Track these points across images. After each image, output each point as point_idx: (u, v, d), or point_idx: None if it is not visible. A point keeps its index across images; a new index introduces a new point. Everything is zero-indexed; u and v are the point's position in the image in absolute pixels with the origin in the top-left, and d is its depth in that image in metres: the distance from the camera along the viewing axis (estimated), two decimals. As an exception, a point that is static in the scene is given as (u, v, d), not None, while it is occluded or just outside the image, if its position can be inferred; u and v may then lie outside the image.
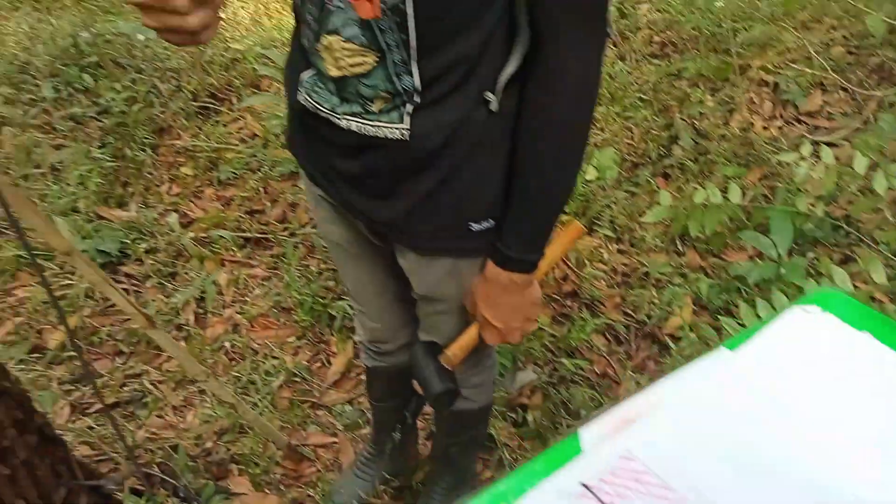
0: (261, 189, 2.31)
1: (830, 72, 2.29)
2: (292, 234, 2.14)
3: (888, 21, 2.09)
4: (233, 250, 2.10)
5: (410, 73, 0.72)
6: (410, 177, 0.82)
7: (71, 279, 1.96)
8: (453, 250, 0.89)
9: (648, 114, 2.38)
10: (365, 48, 0.72)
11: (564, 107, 0.74)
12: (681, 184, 2.14)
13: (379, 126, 0.77)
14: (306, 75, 0.81)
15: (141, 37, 2.57)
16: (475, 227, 0.85)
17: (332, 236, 1.05)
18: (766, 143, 2.18)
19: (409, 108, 0.75)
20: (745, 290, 1.75)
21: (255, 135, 2.50)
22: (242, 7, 3.16)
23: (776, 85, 2.41)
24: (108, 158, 2.32)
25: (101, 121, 2.44)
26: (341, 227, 1.02)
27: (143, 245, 2.08)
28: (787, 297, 1.65)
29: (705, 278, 1.84)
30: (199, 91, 2.60)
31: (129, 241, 2.08)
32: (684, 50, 2.65)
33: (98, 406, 1.68)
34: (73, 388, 1.74)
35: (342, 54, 0.74)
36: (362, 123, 0.78)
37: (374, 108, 0.76)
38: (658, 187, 2.15)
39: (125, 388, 1.74)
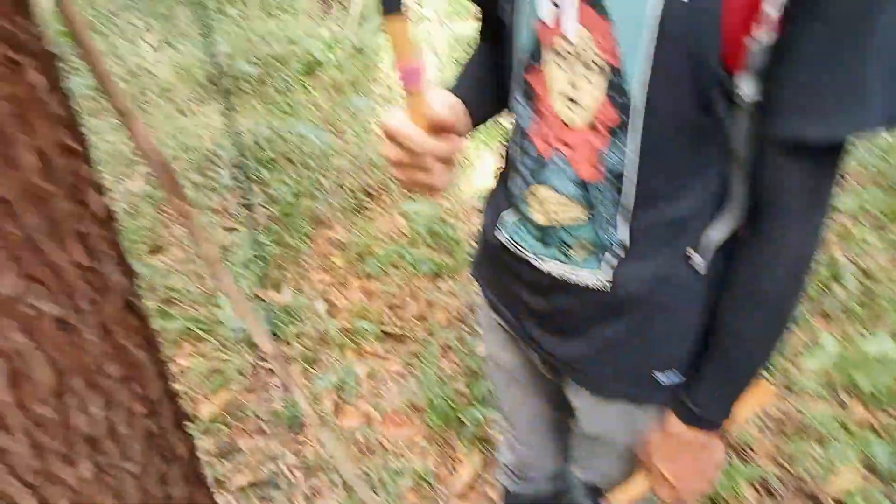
0: (403, 285, 2.41)
1: None
2: (430, 333, 2.20)
3: None
4: (373, 342, 2.19)
5: (618, 229, 0.74)
6: (601, 321, 0.82)
7: (228, 353, 2.11)
8: (633, 396, 0.88)
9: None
10: (577, 203, 0.75)
11: (778, 280, 0.71)
12: (844, 327, 1.99)
13: (579, 273, 0.79)
14: (509, 217, 0.85)
15: (313, 137, 2.85)
16: (661, 378, 0.83)
17: (501, 362, 1.07)
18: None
19: (613, 259, 0.76)
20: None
21: (403, 233, 2.65)
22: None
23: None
24: (270, 244, 2.54)
25: (269, 209, 2.70)
26: (513, 354, 1.03)
27: (293, 328, 2.22)
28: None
29: (876, 438, 1.66)
30: (356, 189, 2.82)
31: (281, 324, 2.23)
32: (844, 184, 2.54)
33: (238, 483, 1.75)
34: (217, 460, 1.83)
35: (552, 206, 0.77)
36: (562, 268, 0.80)
37: (577, 256, 0.78)
38: (818, 327, 2.01)
39: (263, 468, 1.81)
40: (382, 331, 2.23)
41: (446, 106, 0.69)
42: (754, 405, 0.90)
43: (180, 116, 3.40)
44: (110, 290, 0.60)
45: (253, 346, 2.15)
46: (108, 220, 0.59)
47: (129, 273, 0.63)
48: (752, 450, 1.72)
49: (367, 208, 2.77)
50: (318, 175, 2.85)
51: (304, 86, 3.61)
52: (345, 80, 3.64)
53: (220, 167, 2.95)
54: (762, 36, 0.59)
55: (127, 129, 0.63)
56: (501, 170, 0.91)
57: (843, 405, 1.80)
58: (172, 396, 0.74)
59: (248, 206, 2.68)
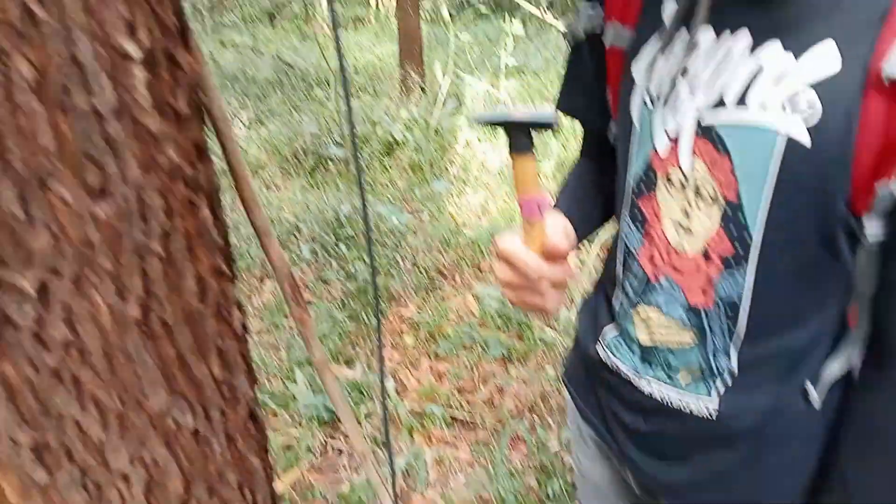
0: (473, 368, 2.40)
1: None
2: (500, 421, 2.16)
3: None
4: (442, 427, 2.16)
5: (728, 357, 0.73)
6: (706, 449, 0.79)
7: (299, 429, 2.13)
8: None
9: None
10: (685, 327, 0.74)
11: None
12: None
13: (684, 398, 0.77)
14: (609, 332, 0.85)
15: (392, 217, 2.95)
16: None
17: (590, 475, 1.04)
18: None
19: (721, 387, 0.74)
20: None
21: (474, 314, 2.66)
22: (474, 193, 3.52)
23: None
24: (345, 320, 2.59)
25: (346, 285, 2.77)
26: (604, 469, 1.00)
27: (363, 408, 2.23)
28: None
29: None
30: (429, 267, 2.87)
31: (352, 402, 2.24)
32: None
33: (302, 567, 1.73)
34: (283, 541, 1.82)
35: (658, 327, 0.76)
36: (666, 391, 0.79)
37: (681, 380, 0.77)
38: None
39: (328, 554, 1.79)
40: (451, 416, 2.21)
41: (563, 234, 0.71)
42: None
43: (266, 191, 3.59)
44: (238, 401, 0.62)
45: (324, 424, 2.16)
46: (243, 335, 0.62)
47: (254, 382, 0.66)
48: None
49: (439, 287, 2.81)
50: (393, 253, 2.92)
51: (383, 165, 3.77)
52: (422, 160, 3.78)
53: (300, 241, 3.07)
54: (893, 185, 0.58)
55: (262, 246, 0.68)
56: (600, 280, 0.91)
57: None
58: (276, 500, 0.76)
59: (326, 281, 2.77)
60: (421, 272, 2.84)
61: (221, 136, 0.58)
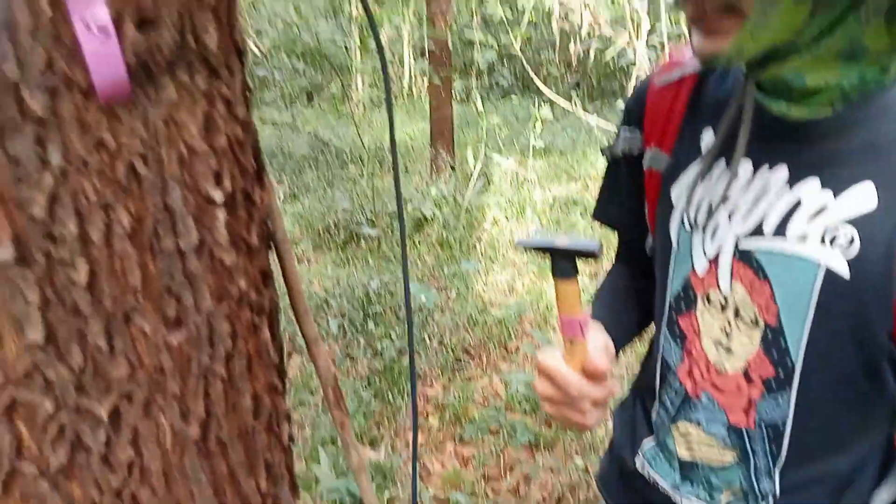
0: (499, 454, 2.35)
1: None
2: (525, 514, 2.09)
3: None
4: (466, 518, 2.10)
5: (772, 479, 0.72)
6: None
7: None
8: None
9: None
10: (726, 446, 0.73)
11: None
12: None
13: None
14: (648, 445, 0.84)
15: (420, 295, 2.97)
16: None
17: None
18: None
19: None
20: None
21: (500, 396, 2.62)
22: (501, 271, 3.55)
23: None
24: (371, 399, 2.58)
25: (373, 363, 2.77)
26: None
27: (386, 492, 2.18)
28: None
29: None
30: (456, 346, 2.86)
31: (375, 486, 2.20)
32: None
33: None
34: None
35: (699, 444, 0.76)
36: None
37: (722, 499, 0.76)
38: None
39: None
40: (477, 505, 2.15)
41: (604, 352, 0.72)
42: None
43: (298, 264, 3.66)
44: (282, 513, 0.63)
45: (345, 507, 2.12)
46: (289, 446, 0.64)
47: (296, 492, 0.67)
48: None
49: (465, 368, 2.79)
50: (421, 332, 2.93)
51: (413, 242, 3.84)
52: (451, 237, 3.84)
53: (329, 315, 3.10)
54: None
55: (311, 355, 0.70)
56: (636, 386, 0.91)
57: None
58: None
59: (353, 357, 2.77)
60: (447, 351, 2.84)
61: (282, 258, 0.62)
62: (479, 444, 2.41)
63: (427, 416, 2.56)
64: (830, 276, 0.62)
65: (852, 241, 0.60)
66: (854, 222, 0.61)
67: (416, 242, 3.83)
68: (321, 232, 3.93)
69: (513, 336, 2.96)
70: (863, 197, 0.60)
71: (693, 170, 0.73)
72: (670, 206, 0.76)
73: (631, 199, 0.86)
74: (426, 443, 2.45)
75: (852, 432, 0.69)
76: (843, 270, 0.61)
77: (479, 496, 2.18)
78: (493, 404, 2.59)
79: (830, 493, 0.71)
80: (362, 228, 3.78)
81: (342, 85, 6.27)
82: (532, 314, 3.12)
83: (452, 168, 4.68)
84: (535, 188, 4.47)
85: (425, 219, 4.00)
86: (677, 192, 0.75)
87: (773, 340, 0.67)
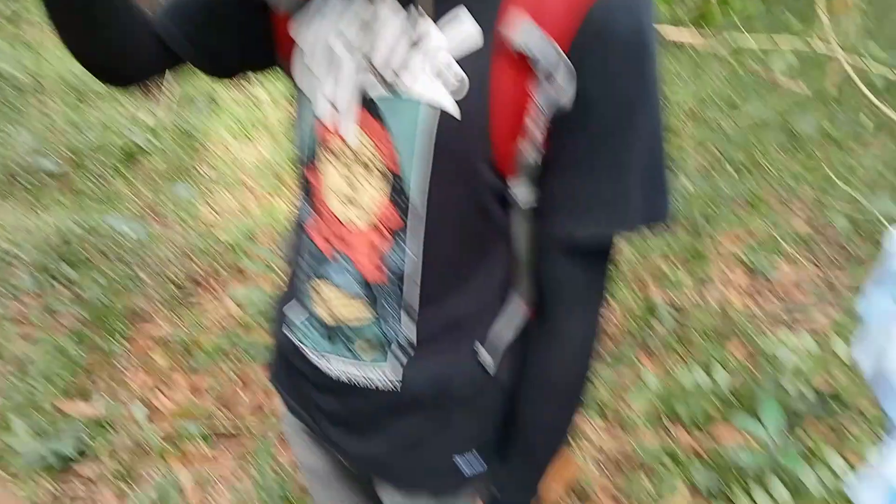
0: (237, 377, 2.24)
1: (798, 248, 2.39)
2: (266, 426, 2.04)
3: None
4: (201, 445, 1.98)
5: (406, 329, 0.72)
6: (396, 419, 0.79)
7: (21, 485, 1.81)
8: (437, 489, 0.83)
9: (626, 290, 2.42)
10: (362, 303, 0.72)
11: (566, 370, 0.72)
12: (664, 360, 2.11)
13: (367, 372, 0.75)
14: (296, 316, 0.80)
15: (127, 229, 2.65)
16: (465, 469, 0.81)
17: (310, 465, 0.99)
18: (746, 320, 2.19)
19: (403, 358, 0.74)
20: (740, 475, 1.65)
21: (236, 320, 2.49)
22: (229, 194, 3.31)
23: (748, 260, 2.49)
24: (77, 350, 2.27)
25: (78, 312, 2.43)
26: (320, 457, 0.96)
27: (106, 442, 1.96)
28: (784, 483, 1.56)
29: (699, 463, 1.74)
30: (181, 278, 2.63)
31: (89, 439, 1.96)
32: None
33: None
34: None
35: (337, 304, 0.73)
36: (350, 367, 0.76)
37: (364, 355, 0.75)
38: (641, 363, 2.12)
39: None
40: (212, 431, 2.04)
41: None
42: (561, 481, 0.89)
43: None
44: None
45: (51, 470, 1.86)
46: None
47: None
48: (592, 490, 1.74)
49: (193, 298, 2.59)
50: (135, 269, 2.63)
51: (123, 176, 3.39)
52: (170, 166, 3.47)
53: (19, 270, 2.63)
54: (528, 150, 0.61)
55: None
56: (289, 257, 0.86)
57: (670, 434, 1.89)
58: None
59: (52, 310, 2.40)
60: (172, 284, 2.60)
61: None
62: (216, 372, 2.28)
63: (149, 354, 2.34)
64: (445, 118, 0.60)
65: (461, 80, 0.59)
66: (462, 62, 0.59)
67: (129, 175, 3.40)
68: (2, 177, 3.29)
69: (246, 257, 2.80)
70: (466, 30, 0.59)
71: (316, 2, 0.67)
72: (293, 44, 0.69)
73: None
74: (153, 383, 2.24)
75: (474, 273, 0.71)
76: (455, 111, 0.59)
77: (215, 419, 2.07)
78: (229, 330, 2.45)
79: (460, 334, 0.74)
80: (53, 167, 3.23)
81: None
82: (264, 234, 2.97)
83: (170, 92, 4.18)
84: (271, 107, 4.20)
85: (139, 149, 3.55)
86: (297, 27, 0.69)
87: (398, 188, 0.65)
